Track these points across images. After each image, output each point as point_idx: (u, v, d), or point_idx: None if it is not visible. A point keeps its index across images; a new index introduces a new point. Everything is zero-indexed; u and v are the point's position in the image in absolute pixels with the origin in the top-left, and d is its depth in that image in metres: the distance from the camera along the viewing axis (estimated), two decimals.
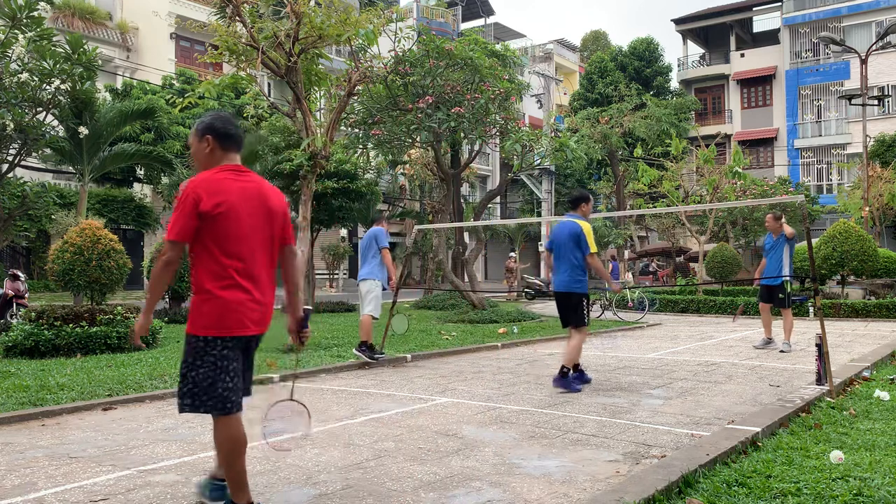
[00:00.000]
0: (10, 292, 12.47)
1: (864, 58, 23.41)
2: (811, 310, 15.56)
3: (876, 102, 30.65)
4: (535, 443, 4.81)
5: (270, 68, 9.56)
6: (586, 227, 6.92)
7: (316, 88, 10.83)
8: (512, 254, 28.25)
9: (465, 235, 21.93)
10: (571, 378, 6.85)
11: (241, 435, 3.24)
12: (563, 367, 6.83)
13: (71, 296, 15.03)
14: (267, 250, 3.37)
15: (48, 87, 12.01)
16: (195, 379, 3.18)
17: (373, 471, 4.16)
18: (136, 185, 24.86)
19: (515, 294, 24.91)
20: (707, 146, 21.19)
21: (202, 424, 5.41)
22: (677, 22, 44.95)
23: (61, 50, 11.82)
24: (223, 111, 3.63)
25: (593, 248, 6.85)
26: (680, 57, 45.40)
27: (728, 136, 40.38)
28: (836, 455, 4.04)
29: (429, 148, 17.25)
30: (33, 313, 9.17)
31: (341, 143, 16.35)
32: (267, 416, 3.62)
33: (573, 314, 6.95)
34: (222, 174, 3.31)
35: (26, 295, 12.90)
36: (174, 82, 24.77)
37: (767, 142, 41.07)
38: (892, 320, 14.84)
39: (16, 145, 12.50)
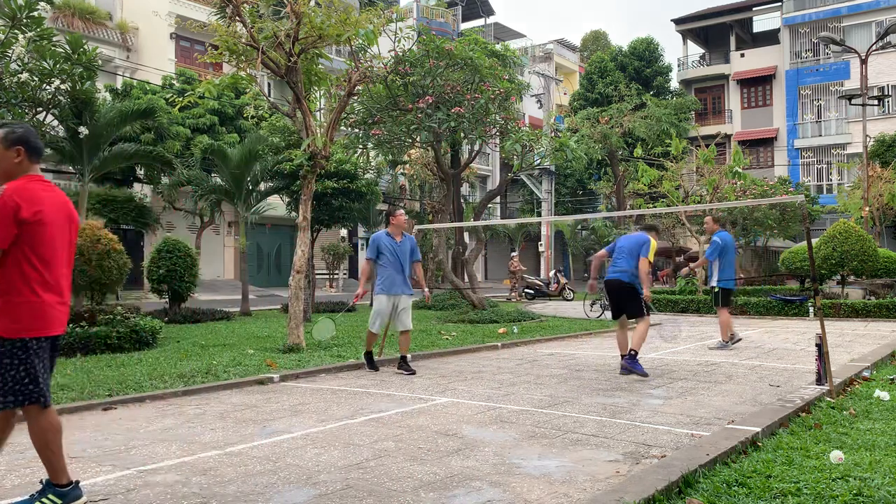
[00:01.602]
0: None
1: (864, 58, 23.40)
2: (811, 310, 15.57)
3: (876, 102, 30.61)
4: (535, 443, 4.81)
5: (270, 68, 9.56)
6: (653, 242, 7.88)
7: (316, 88, 10.82)
8: (514, 254, 28.26)
9: (465, 235, 21.91)
10: (635, 361, 7.60)
11: (58, 422, 3.53)
12: (631, 349, 7.63)
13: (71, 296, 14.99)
14: (68, 256, 3.63)
15: (48, 87, 12.00)
16: (16, 377, 3.38)
17: (373, 471, 4.16)
18: (136, 185, 24.85)
19: (517, 295, 24.87)
20: (707, 146, 21.15)
21: (202, 424, 5.41)
22: (677, 22, 44.94)
23: (61, 50, 11.80)
24: (28, 125, 3.76)
25: (650, 257, 7.74)
26: (680, 57, 45.38)
27: (728, 136, 40.34)
28: (836, 455, 4.04)
29: (429, 148, 17.25)
30: None
31: (341, 143, 16.34)
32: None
33: (630, 304, 7.79)
34: (33, 184, 3.49)
35: None
36: (174, 82, 24.74)
37: (767, 142, 41.06)
38: (892, 320, 14.84)
39: None
